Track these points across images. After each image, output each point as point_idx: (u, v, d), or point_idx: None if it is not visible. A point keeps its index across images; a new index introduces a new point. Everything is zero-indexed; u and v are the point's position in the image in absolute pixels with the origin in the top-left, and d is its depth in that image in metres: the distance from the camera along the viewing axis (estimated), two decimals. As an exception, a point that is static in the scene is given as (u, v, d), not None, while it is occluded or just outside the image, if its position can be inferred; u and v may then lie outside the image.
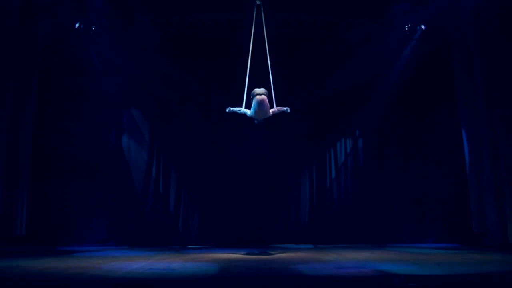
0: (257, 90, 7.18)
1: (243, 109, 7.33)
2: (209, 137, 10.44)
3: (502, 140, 7.91)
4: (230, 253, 7.59)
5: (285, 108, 7.44)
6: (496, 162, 8.07)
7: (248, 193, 10.20)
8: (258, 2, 7.71)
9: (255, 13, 7.66)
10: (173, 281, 4.59)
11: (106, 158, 10.17)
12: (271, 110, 7.31)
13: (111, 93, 10.27)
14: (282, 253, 7.72)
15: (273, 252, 7.82)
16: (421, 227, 9.82)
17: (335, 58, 10.34)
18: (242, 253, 7.70)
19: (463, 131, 9.17)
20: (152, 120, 10.57)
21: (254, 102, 7.19)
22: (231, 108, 7.39)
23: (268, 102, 7.23)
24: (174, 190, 10.41)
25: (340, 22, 9.90)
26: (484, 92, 8.35)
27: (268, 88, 7.43)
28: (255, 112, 7.20)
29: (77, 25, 9.67)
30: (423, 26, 9.92)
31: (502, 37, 7.96)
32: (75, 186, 9.78)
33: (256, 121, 7.37)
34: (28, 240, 8.66)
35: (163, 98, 10.52)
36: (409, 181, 10.11)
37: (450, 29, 9.39)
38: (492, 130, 8.14)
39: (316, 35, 10.18)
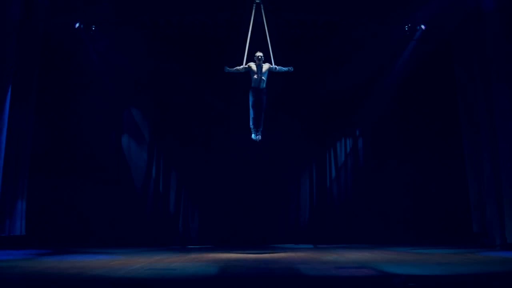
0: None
1: (243, 66, 7.45)
2: (209, 137, 10.45)
3: (502, 140, 7.90)
4: (230, 253, 7.59)
5: (286, 68, 7.57)
6: (496, 162, 8.06)
7: (248, 193, 10.20)
8: (257, 1, 7.73)
9: (253, 11, 7.68)
10: (173, 281, 4.59)
11: (106, 158, 10.18)
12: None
13: (111, 93, 10.28)
14: (282, 253, 7.72)
15: (273, 252, 7.83)
16: (421, 227, 9.81)
17: (335, 58, 10.34)
18: (242, 253, 7.69)
19: (463, 131, 9.16)
20: (152, 120, 10.59)
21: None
22: (229, 68, 7.45)
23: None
24: (174, 190, 10.43)
25: (340, 22, 9.90)
26: (484, 91, 8.34)
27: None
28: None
29: (77, 25, 9.67)
30: (423, 26, 9.92)
31: (502, 36, 7.95)
32: (75, 186, 9.77)
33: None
34: (28, 240, 8.65)
35: (163, 98, 10.53)
36: (409, 181, 10.11)
37: (450, 29, 9.38)
38: (492, 130, 8.14)
39: (316, 35, 10.18)
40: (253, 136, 7.69)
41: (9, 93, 8.03)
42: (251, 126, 7.67)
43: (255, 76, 7.48)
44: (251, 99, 7.53)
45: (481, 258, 6.51)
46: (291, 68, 7.58)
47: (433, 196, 9.88)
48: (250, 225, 10.16)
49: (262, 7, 7.68)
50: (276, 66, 7.53)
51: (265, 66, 7.50)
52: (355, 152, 10.72)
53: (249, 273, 5.08)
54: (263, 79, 7.48)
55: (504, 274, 5.00)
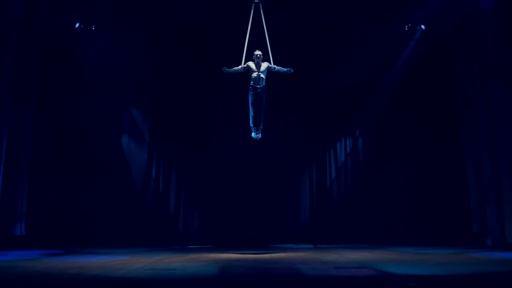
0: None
1: (241, 66, 7.47)
2: (209, 136, 10.45)
3: (502, 140, 7.90)
4: (230, 253, 7.59)
5: (286, 69, 7.55)
6: (496, 162, 8.07)
7: (248, 193, 10.20)
8: (256, 0, 7.73)
9: (252, 11, 7.68)
10: (173, 281, 4.59)
11: (106, 158, 10.18)
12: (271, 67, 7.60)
13: (111, 93, 10.28)
14: (282, 253, 7.72)
15: (273, 252, 7.83)
16: (421, 227, 9.81)
17: (335, 58, 10.35)
18: (242, 253, 7.70)
19: (463, 131, 9.16)
20: (152, 120, 10.58)
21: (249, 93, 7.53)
22: (228, 69, 7.46)
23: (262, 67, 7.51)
24: (174, 190, 10.43)
25: (340, 22, 9.90)
26: (484, 91, 8.35)
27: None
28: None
29: (77, 25, 9.67)
30: (423, 26, 9.92)
31: (501, 36, 7.95)
32: (75, 186, 9.78)
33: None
34: (28, 240, 8.65)
35: (163, 98, 10.53)
36: (409, 181, 10.11)
37: (450, 29, 9.39)
38: (492, 130, 8.14)
39: (316, 35, 10.18)
40: (253, 134, 7.69)
41: (9, 93, 8.04)
42: (251, 125, 7.67)
43: (254, 75, 7.49)
44: (250, 97, 7.55)
45: (481, 258, 6.51)
46: (291, 70, 7.56)
47: (433, 196, 9.87)
48: (250, 225, 10.15)
49: (261, 6, 7.68)
50: (275, 66, 7.54)
51: (264, 65, 7.52)
52: (355, 152, 10.72)
53: (249, 273, 5.08)
54: (262, 77, 7.50)
55: (504, 274, 5.00)
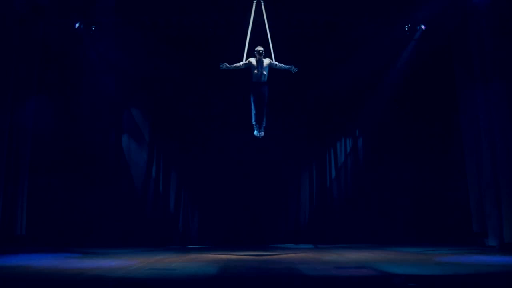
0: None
1: (243, 62, 7.38)
2: (209, 137, 10.44)
3: (501, 140, 7.91)
4: (230, 253, 7.59)
5: (288, 66, 7.48)
6: (496, 162, 8.07)
7: (248, 193, 10.20)
8: None
9: (254, 8, 7.66)
10: (173, 281, 4.60)
11: (106, 158, 10.18)
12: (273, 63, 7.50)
13: (111, 93, 10.28)
14: (282, 253, 7.73)
15: (273, 252, 7.83)
16: (421, 227, 9.81)
17: (335, 58, 10.33)
18: (242, 253, 7.70)
19: (463, 131, 9.16)
20: (152, 120, 10.58)
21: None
22: (228, 65, 7.37)
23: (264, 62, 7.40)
24: (174, 190, 10.42)
25: (341, 22, 9.89)
26: (483, 91, 8.35)
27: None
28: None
29: (77, 25, 9.67)
30: (423, 26, 9.92)
31: (502, 36, 7.95)
32: (75, 186, 9.77)
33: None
34: (28, 240, 8.65)
35: (163, 98, 10.52)
36: (409, 181, 10.11)
37: (450, 29, 9.39)
38: (492, 130, 8.14)
39: (317, 35, 10.18)
40: (255, 132, 7.57)
41: (10, 94, 8.05)
42: (253, 123, 7.56)
43: (256, 71, 7.41)
44: (252, 94, 7.46)
45: (481, 258, 6.51)
46: (294, 68, 7.48)
47: (433, 196, 9.88)
48: (250, 225, 10.16)
49: (262, 3, 7.66)
50: (276, 63, 7.47)
51: (266, 61, 7.43)
52: (355, 152, 10.72)
53: (249, 273, 5.09)
54: (264, 73, 7.42)
55: (503, 274, 5.01)
